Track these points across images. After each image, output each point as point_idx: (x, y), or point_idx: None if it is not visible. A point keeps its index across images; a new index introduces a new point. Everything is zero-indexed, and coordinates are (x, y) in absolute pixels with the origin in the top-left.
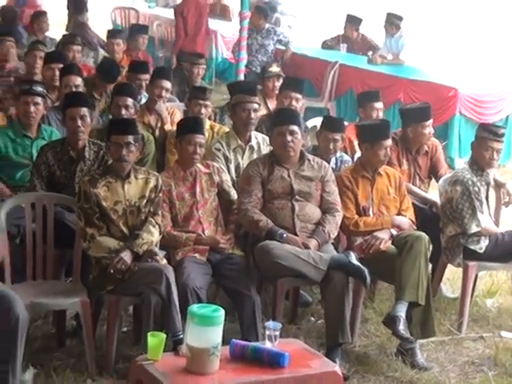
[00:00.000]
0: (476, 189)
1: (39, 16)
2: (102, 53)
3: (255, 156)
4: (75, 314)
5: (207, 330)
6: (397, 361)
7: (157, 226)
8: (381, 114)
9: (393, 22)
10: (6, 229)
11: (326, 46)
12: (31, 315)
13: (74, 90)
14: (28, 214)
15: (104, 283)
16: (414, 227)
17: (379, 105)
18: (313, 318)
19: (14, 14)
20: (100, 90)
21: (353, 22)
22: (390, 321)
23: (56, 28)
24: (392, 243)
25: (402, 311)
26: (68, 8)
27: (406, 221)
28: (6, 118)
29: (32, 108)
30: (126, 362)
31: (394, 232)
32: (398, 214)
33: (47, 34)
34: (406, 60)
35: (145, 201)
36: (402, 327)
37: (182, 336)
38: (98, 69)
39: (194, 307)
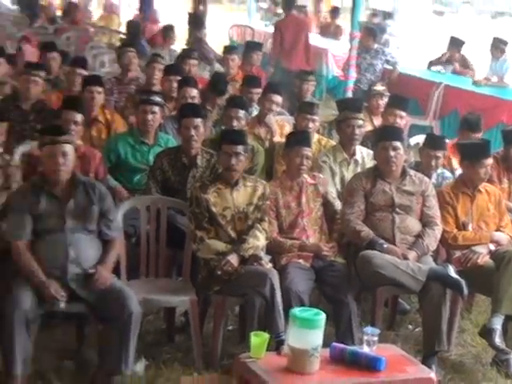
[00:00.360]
0: None
1: (168, 29)
2: (217, 67)
3: (359, 169)
4: (184, 311)
5: (308, 332)
6: (492, 371)
7: (263, 232)
8: None
9: (498, 46)
10: (123, 229)
11: (431, 66)
12: (144, 310)
13: (189, 101)
14: (143, 216)
15: (211, 284)
16: None
17: (477, 135)
18: (410, 326)
19: (137, 28)
20: (212, 102)
21: (455, 44)
22: (486, 332)
23: (176, 42)
24: (490, 258)
25: (498, 324)
26: (189, 24)
27: (505, 237)
28: (128, 126)
29: (150, 116)
30: (230, 359)
31: (493, 247)
32: (497, 230)
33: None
34: (510, 83)
35: (252, 207)
36: (497, 339)
37: (284, 337)
38: (208, 82)
39: (296, 310)
